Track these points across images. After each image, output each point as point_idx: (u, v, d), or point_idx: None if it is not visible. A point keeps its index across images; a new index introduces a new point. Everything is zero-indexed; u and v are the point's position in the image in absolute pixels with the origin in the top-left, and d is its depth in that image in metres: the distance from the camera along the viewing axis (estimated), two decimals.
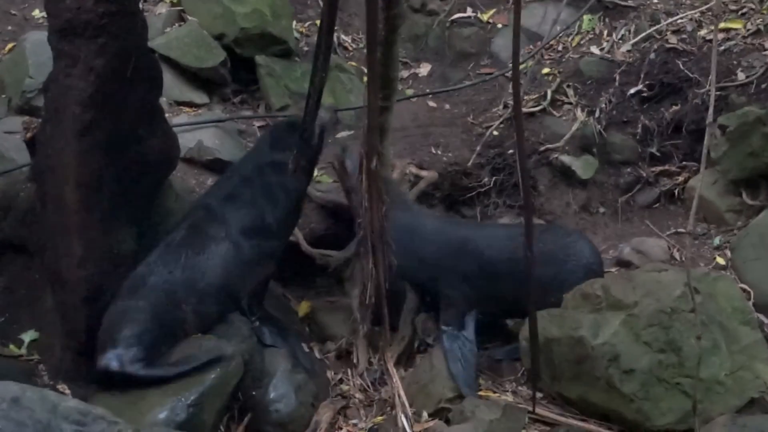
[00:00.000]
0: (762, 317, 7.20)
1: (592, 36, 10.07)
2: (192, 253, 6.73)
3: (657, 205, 9.06)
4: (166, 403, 5.86)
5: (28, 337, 7.07)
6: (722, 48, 9.12)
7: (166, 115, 7.54)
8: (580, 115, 9.23)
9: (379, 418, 6.87)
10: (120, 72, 6.38)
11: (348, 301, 7.65)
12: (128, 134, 6.63)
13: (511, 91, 9.19)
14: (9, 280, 7.41)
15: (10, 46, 9.69)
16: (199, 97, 9.70)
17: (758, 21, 9.32)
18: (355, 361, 7.41)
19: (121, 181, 6.60)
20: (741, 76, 8.83)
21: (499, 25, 10.73)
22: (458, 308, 7.18)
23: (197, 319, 6.65)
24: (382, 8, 6.60)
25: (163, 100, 7.83)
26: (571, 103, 9.43)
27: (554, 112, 9.41)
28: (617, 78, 9.37)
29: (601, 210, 9.10)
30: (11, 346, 7.03)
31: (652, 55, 9.37)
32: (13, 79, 9.19)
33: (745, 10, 9.51)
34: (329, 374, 7.32)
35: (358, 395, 7.17)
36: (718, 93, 8.25)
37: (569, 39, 10.16)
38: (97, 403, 5.22)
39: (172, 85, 9.35)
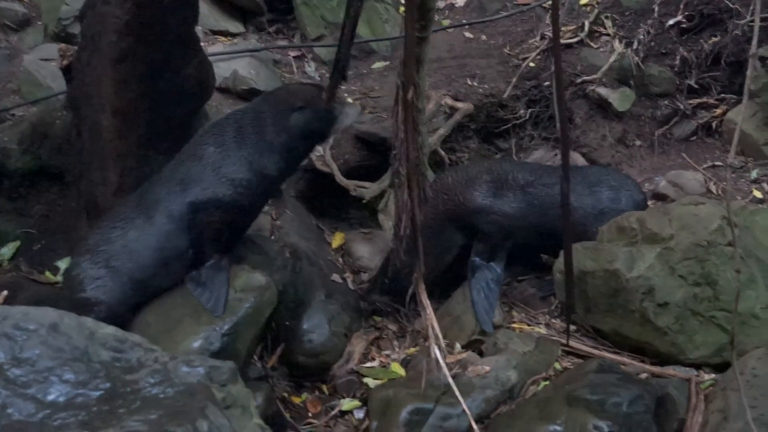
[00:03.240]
0: None
1: None
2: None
3: (694, 137, 9.00)
4: (201, 332, 5.88)
5: (63, 264, 7.11)
6: None
7: (202, 44, 7.51)
8: (618, 46, 9.14)
9: (412, 349, 6.90)
10: (156, 0, 6.35)
11: (382, 232, 7.65)
12: (164, 63, 6.61)
13: (548, 22, 9.11)
14: (45, 207, 7.46)
15: None
16: (235, 27, 9.67)
17: None
18: None
19: (157, 110, 6.60)
20: None
21: None
22: (491, 240, 7.17)
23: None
24: None
25: (198, 29, 7.80)
26: (608, 35, 9.34)
27: (592, 44, 9.33)
28: (656, 9, 9.27)
29: (638, 143, 9.04)
30: (47, 273, 7.08)
31: None
32: (49, 6, 9.18)
33: None
34: (362, 305, 7.33)
35: (391, 326, 7.19)
36: (760, 24, 8.12)
37: None
38: (133, 331, 5.25)
39: (208, 14, 9.33)
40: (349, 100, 8.56)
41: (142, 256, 6.10)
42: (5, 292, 6.54)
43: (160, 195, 6.15)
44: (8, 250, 7.23)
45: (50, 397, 4.12)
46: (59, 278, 7.03)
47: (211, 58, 7.47)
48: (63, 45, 7.43)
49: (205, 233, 6.16)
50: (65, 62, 7.04)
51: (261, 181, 6.20)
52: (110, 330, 4.57)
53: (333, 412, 6.50)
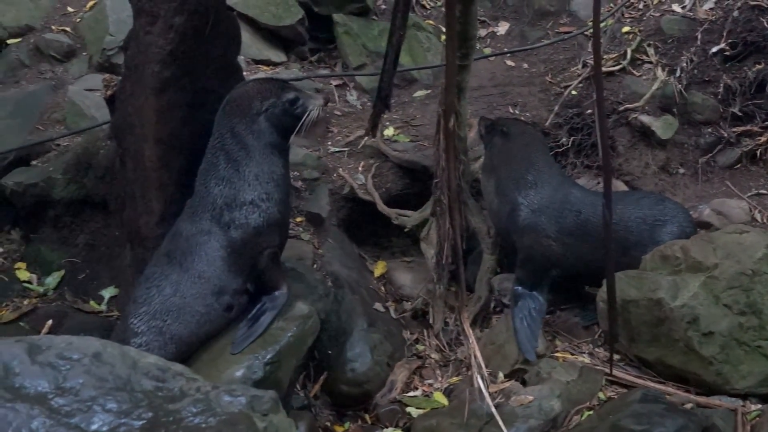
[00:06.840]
0: None
1: None
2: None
3: (738, 165, 8.91)
4: (243, 361, 5.90)
5: (107, 293, 7.17)
6: None
7: (244, 73, 7.55)
8: (661, 74, 9.08)
9: (455, 378, 6.88)
10: (199, 30, 6.40)
11: (424, 261, 7.64)
12: (206, 92, 6.64)
13: (590, 49, 9.09)
14: (89, 236, 7.52)
15: (91, 3, 9.76)
16: (277, 56, 9.72)
17: None
18: (431, 321, 7.39)
19: (200, 139, 6.62)
20: None
21: None
22: (534, 267, 7.14)
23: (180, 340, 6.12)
24: None
25: (240, 59, 7.86)
26: (651, 62, 9.29)
27: (634, 72, 9.29)
28: (699, 36, 9.21)
29: (681, 171, 8.97)
30: (92, 302, 7.13)
31: (736, 13, 9.19)
32: (93, 37, 9.28)
33: None
34: (405, 334, 7.33)
35: (434, 355, 7.17)
36: None
37: None
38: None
39: (250, 44, 9.39)
40: (391, 128, 8.58)
41: (183, 312, 6.08)
42: (50, 322, 6.60)
43: (191, 247, 6.17)
44: (53, 279, 7.30)
45: (93, 427, 4.14)
46: (103, 307, 7.08)
47: None
48: (107, 75, 7.51)
49: (260, 263, 6.22)
50: (109, 92, 7.10)
51: (276, 184, 6.27)
52: (152, 359, 4.59)
53: None
